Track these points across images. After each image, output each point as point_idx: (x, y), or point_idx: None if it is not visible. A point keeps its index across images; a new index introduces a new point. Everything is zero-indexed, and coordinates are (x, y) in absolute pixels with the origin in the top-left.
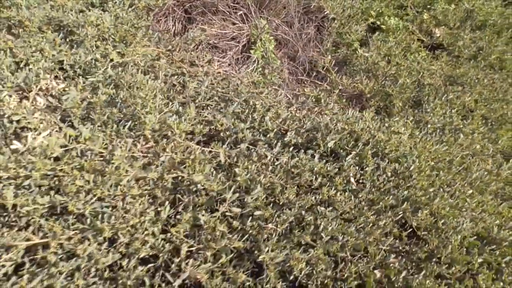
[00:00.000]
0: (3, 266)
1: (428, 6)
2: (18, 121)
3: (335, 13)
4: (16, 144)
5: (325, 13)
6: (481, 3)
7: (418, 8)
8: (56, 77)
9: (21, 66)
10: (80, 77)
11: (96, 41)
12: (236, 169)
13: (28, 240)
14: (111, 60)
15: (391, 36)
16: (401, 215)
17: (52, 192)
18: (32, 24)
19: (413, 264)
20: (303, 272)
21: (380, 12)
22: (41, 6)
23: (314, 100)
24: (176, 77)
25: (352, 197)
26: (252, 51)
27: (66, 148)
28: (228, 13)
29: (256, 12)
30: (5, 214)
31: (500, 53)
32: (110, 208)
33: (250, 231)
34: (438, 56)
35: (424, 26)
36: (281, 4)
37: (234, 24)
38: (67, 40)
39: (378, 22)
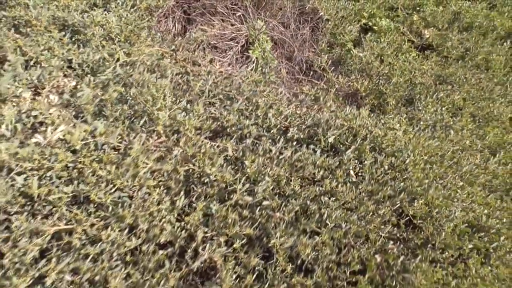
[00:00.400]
0: (31, 250)
1: (418, 8)
2: (35, 117)
3: (329, 14)
4: (37, 138)
5: (320, 14)
6: (467, 6)
7: (408, 10)
8: (65, 75)
9: (31, 64)
10: (89, 75)
11: (101, 41)
12: (246, 162)
13: (54, 226)
14: (118, 59)
15: (383, 36)
16: (398, 205)
17: (75, 182)
18: (41, 23)
19: (410, 249)
20: (310, 257)
21: (372, 14)
22: (46, 6)
23: (312, 98)
24: (180, 76)
25: (353, 188)
26: (250, 51)
27: (85, 142)
28: (226, 14)
29: (254, 13)
30: (29, 203)
31: (486, 54)
32: (128, 198)
33: (260, 220)
34: (428, 56)
35: (414, 27)
36: (277, 5)
37: (232, 25)
38: (73, 39)
39: (370, 23)
